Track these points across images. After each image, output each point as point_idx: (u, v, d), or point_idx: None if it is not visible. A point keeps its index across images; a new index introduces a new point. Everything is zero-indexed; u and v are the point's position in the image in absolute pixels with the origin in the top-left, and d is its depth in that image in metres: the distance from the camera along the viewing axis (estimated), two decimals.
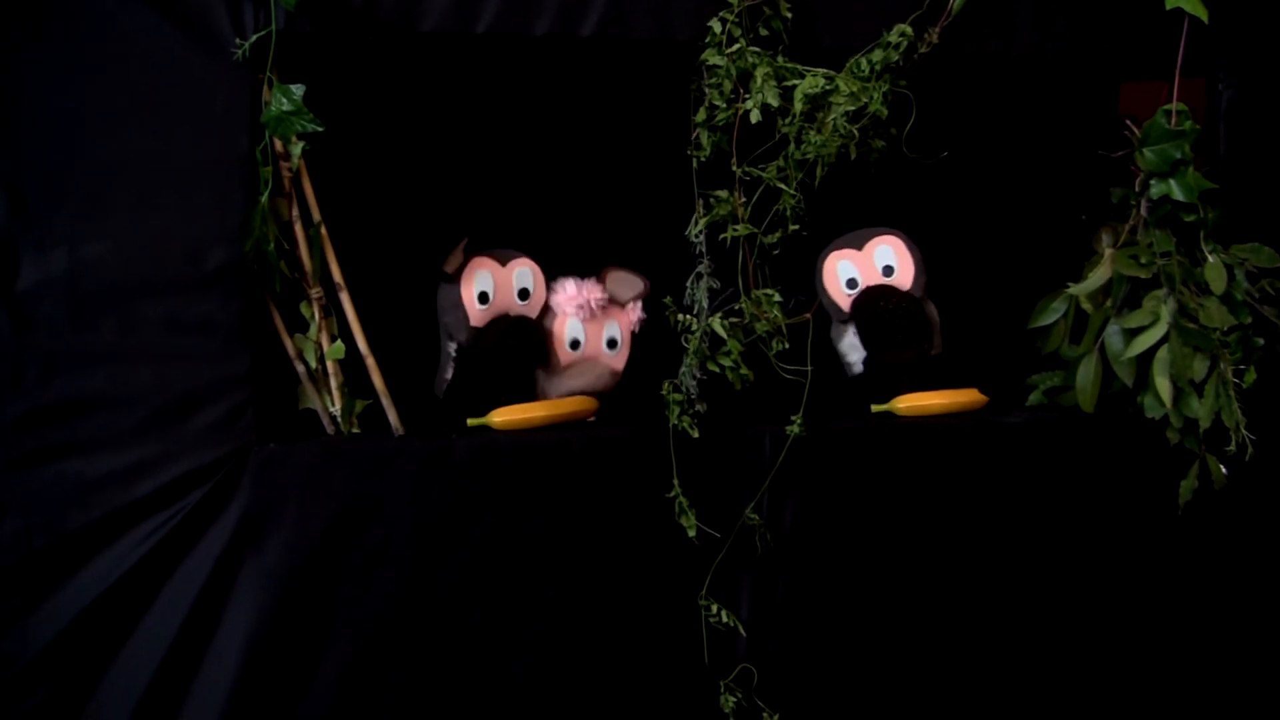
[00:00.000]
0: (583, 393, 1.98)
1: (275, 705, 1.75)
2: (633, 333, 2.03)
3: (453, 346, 1.91)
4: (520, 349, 1.95)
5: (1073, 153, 2.33)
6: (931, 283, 2.09)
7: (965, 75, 2.12)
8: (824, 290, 2.05)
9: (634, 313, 2.02)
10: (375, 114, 1.97)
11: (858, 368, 2.08)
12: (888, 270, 2.06)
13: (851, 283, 2.06)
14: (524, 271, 1.96)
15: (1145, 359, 1.95)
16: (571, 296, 1.97)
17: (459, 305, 1.89)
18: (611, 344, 2.01)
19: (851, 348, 2.08)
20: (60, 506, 1.66)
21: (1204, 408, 1.92)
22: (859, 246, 2.07)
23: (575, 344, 1.99)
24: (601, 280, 2.01)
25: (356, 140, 1.90)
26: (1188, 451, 1.99)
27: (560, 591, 1.86)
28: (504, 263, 1.94)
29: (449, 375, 1.92)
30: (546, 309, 1.99)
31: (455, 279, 1.89)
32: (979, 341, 2.23)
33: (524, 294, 1.96)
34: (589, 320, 1.99)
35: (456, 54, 1.91)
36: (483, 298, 1.91)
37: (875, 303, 2.02)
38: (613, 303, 2.01)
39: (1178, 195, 1.95)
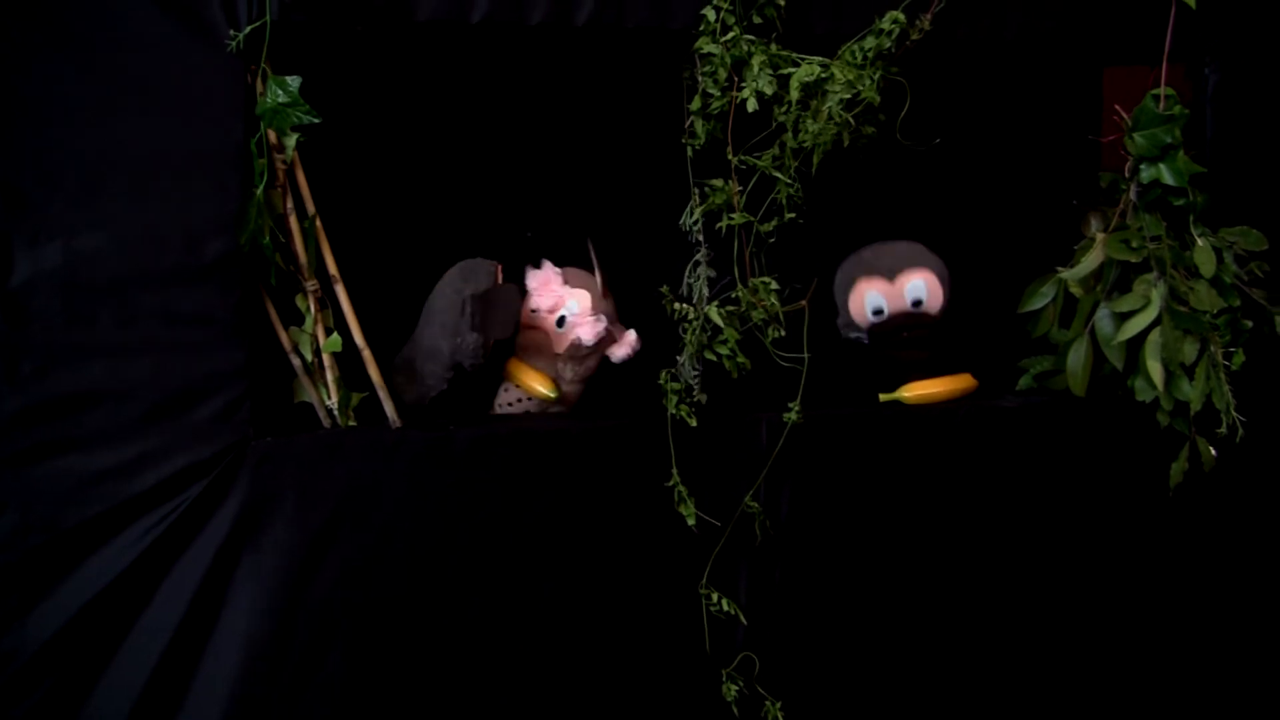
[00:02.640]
0: None
1: (275, 700, 1.74)
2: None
3: (450, 374, 1.89)
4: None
5: (1057, 138, 2.35)
6: None
7: (954, 61, 2.12)
8: (846, 309, 2.08)
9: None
10: (369, 105, 1.96)
11: (854, 333, 2.09)
12: (916, 303, 2.07)
13: (878, 311, 2.07)
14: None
15: (1135, 342, 1.96)
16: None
17: (485, 346, 1.88)
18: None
19: (853, 329, 2.09)
20: (57, 503, 1.64)
21: (1195, 390, 1.94)
22: (890, 278, 2.07)
23: None
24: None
25: (350, 132, 1.88)
26: (1178, 434, 2.01)
27: (560, 582, 1.86)
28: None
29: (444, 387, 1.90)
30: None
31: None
32: (965, 326, 2.23)
33: None
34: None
35: (450, 44, 1.90)
36: None
37: (899, 331, 2.05)
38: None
39: (1168, 179, 1.96)
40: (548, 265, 1.98)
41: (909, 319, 2.06)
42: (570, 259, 2.03)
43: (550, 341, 1.98)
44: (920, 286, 2.07)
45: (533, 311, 1.98)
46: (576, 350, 1.96)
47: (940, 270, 2.08)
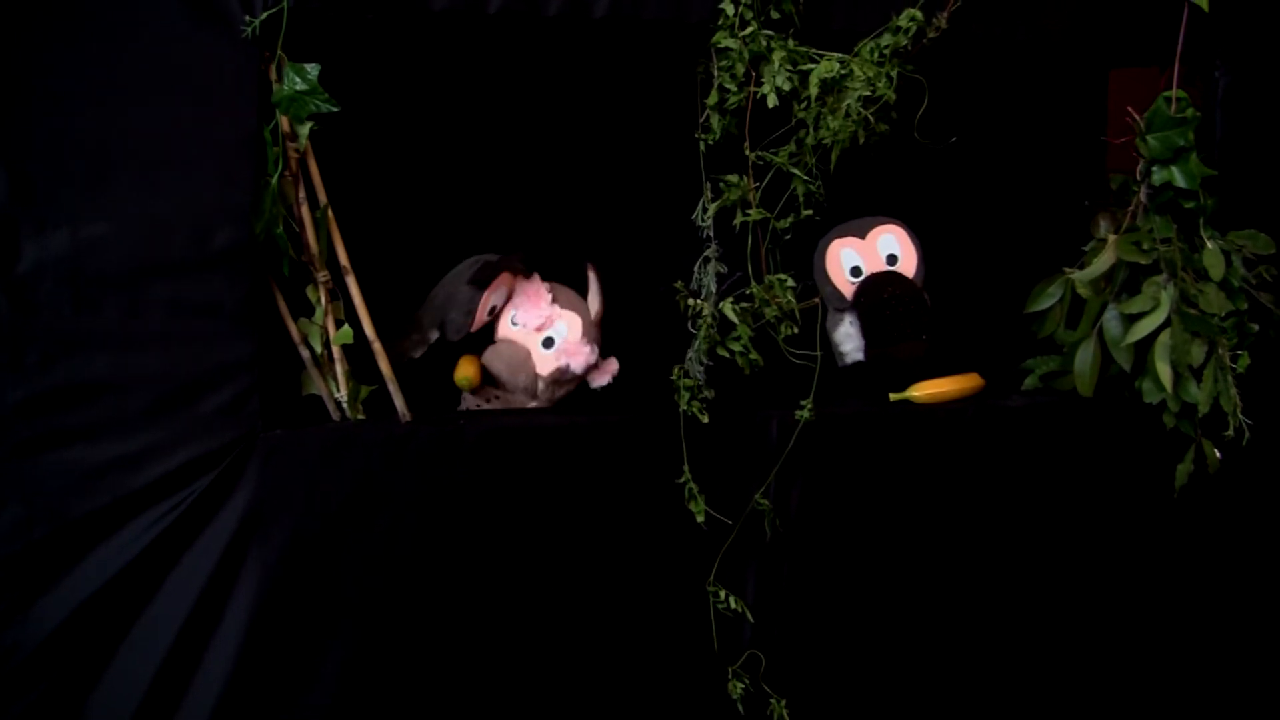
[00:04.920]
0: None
1: (280, 694, 1.73)
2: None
3: (434, 335, 1.89)
4: None
5: (1063, 139, 2.35)
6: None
7: (963, 60, 2.11)
8: (825, 278, 2.03)
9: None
10: (382, 95, 1.94)
11: (852, 358, 2.06)
12: (891, 259, 2.04)
13: (856, 270, 2.04)
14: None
15: (1143, 344, 1.97)
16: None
17: (472, 312, 1.87)
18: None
19: (847, 337, 2.06)
20: (62, 494, 1.62)
21: (1203, 392, 1.94)
22: (862, 235, 2.05)
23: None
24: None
25: (364, 122, 1.85)
26: (1183, 435, 2.01)
27: (567, 577, 1.85)
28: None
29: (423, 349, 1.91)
30: None
31: (484, 287, 1.87)
32: (966, 326, 2.23)
33: None
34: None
35: (466, 34, 1.88)
36: (492, 310, 1.93)
37: (882, 289, 1.99)
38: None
39: (1179, 182, 1.96)
40: (536, 278, 1.95)
41: (889, 276, 2.03)
42: (571, 254, 2.02)
43: (532, 358, 1.93)
44: (892, 241, 2.05)
45: (514, 325, 1.94)
46: (562, 375, 1.92)
47: (911, 233, 2.06)
